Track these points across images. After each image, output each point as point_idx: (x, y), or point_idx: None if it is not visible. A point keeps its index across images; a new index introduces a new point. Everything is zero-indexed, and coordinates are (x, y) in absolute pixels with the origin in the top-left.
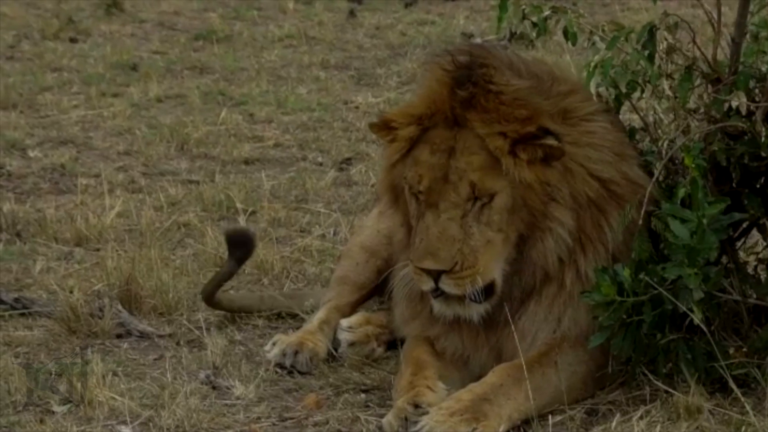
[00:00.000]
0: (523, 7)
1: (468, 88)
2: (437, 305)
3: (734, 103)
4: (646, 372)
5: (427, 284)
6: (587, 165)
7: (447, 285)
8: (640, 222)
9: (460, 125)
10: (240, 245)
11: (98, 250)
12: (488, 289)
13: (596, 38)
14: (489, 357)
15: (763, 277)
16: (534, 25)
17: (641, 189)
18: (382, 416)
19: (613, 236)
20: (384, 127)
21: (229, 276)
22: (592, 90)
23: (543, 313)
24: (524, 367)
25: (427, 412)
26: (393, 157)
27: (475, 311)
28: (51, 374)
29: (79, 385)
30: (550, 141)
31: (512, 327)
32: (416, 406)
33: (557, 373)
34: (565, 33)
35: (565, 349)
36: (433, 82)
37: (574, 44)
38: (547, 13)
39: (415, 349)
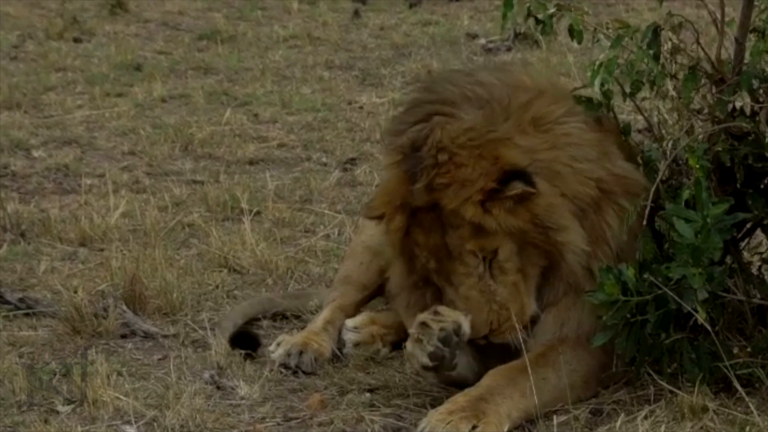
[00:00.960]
0: (528, 4)
1: (422, 177)
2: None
3: (738, 104)
4: (651, 372)
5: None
6: (574, 165)
7: (496, 340)
8: (645, 222)
9: (435, 207)
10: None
11: (102, 250)
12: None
13: (600, 36)
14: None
15: (766, 277)
16: (538, 22)
17: (629, 180)
18: (387, 416)
19: (613, 233)
20: (378, 218)
21: None
22: (596, 89)
23: (552, 318)
24: (519, 368)
25: (445, 321)
26: (394, 242)
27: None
28: (55, 374)
29: (83, 385)
30: (514, 190)
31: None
32: (436, 312)
33: (555, 372)
34: (570, 31)
35: (565, 348)
36: (392, 177)
37: (579, 42)
38: (552, 10)
39: None
